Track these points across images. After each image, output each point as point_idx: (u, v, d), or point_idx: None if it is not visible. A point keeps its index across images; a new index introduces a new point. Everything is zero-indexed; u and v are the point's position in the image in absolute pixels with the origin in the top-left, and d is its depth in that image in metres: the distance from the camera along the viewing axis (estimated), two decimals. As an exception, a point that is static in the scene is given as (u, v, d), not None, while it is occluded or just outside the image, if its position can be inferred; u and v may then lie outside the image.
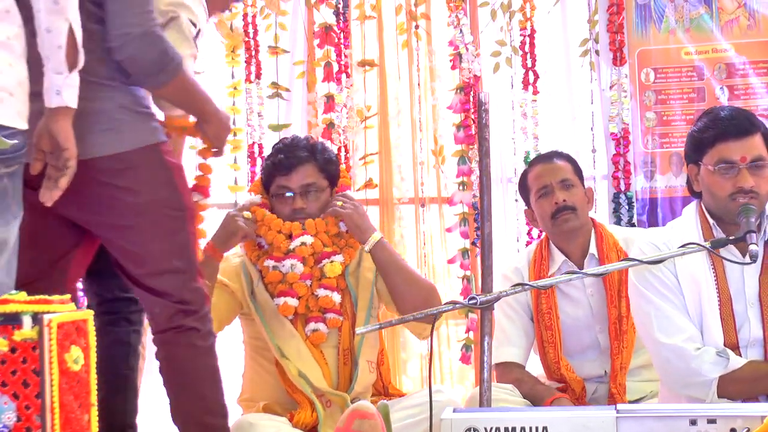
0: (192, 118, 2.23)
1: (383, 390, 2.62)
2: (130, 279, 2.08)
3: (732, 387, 2.15)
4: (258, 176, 2.65)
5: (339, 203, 2.50)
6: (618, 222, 3.44)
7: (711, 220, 2.25)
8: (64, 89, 1.88)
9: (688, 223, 2.28)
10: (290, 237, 2.49)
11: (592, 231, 2.72)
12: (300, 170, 2.50)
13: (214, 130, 2.18)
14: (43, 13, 1.87)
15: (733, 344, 2.21)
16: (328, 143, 3.46)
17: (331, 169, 2.55)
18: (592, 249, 2.68)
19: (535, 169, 2.74)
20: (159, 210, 2.04)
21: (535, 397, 2.57)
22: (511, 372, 2.68)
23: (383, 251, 2.49)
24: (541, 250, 2.73)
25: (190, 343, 2.04)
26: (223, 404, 2.09)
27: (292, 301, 2.45)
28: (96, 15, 2.01)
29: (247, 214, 2.46)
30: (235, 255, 2.57)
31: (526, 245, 3.50)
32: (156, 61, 2.01)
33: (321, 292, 2.47)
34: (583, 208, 2.69)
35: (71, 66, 1.89)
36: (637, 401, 2.63)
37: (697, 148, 2.26)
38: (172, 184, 2.06)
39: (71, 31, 1.89)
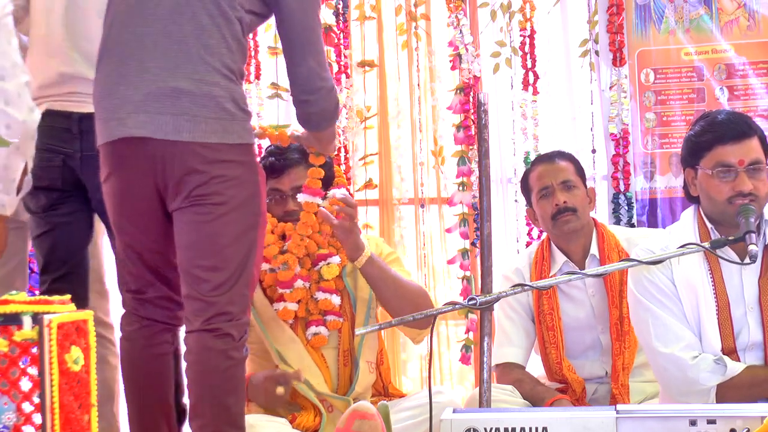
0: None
1: (383, 390, 2.62)
2: (185, 270, 2.05)
3: (730, 393, 2.14)
4: None
5: (334, 215, 2.45)
6: (617, 222, 3.44)
7: (709, 225, 2.24)
8: (8, 203, 2.13)
9: (686, 228, 2.27)
10: (283, 238, 2.48)
11: (594, 231, 2.71)
12: (291, 173, 2.49)
13: (332, 146, 2.39)
14: (4, 152, 2.07)
15: (730, 349, 2.21)
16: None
17: (323, 170, 2.54)
18: (593, 250, 2.68)
19: (536, 170, 2.74)
20: (240, 208, 2.05)
21: (535, 397, 2.57)
22: (511, 372, 2.67)
23: (372, 267, 2.47)
24: (542, 250, 2.72)
25: (225, 351, 2.02)
26: (243, 418, 2.07)
27: (292, 306, 2.45)
28: (239, 14, 2.08)
29: (280, 389, 2.37)
30: None
31: (526, 245, 3.50)
32: (333, 111, 2.20)
33: (320, 295, 2.46)
34: (584, 209, 2.69)
35: (18, 191, 2.15)
36: (639, 403, 2.63)
37: (694, 152, 2.24)
38: (257, 187, 2.09)
39: (25, 165, 2.15)
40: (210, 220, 2.02)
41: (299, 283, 2.45)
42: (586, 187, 2.74)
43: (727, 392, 2.15)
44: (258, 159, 2.52)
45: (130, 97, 2.02)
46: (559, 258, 2.70)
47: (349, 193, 2.63)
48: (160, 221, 2.08)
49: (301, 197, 2.43)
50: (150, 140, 2.01)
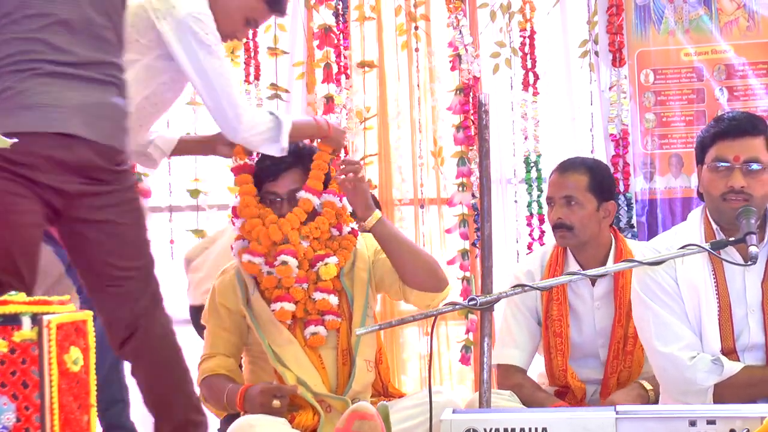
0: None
1: (383, 389, 2.61)
2: (107, 277, 2.14)
3: (728, 393, 2.14)
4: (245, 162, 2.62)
5: (343, 177, 2.47)
6: (617, 223, 3.44)
7: (714, 225, 2.24)
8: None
9: (691, 228, 2.27)
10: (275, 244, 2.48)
11: (612, 245, 2.66)
12: (286, 176, 2.49)
13: (334, 142, 2.53)
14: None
15: (730, 349, 2.21)
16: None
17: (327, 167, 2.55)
18: (610, 265, 2.61)
19: (551, 177, 2.71)
20: (136, 208, 2.17)
21: (534, 403, 2.54)
22: (512, 376, 2.65)
23: (384, 227, 2.48)
24: (557, 255, 2.68)
25: (171, 339, 2.13)
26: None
27: (289, 306, 2.44)
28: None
29: (276, 403, 2.35)
30: (230, 267, 2.56)
31: (528, 246, 3.50)
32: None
33: (318, 296, 2.46)
34: (586, 226, 2.61)
35: None
36: (638, 405, 2.61)
37: (701, 149, 2.27)
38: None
39: None
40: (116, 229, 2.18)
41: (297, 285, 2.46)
42: (601, 200, 2.64)
43: (724, 392, 2.15)
44: (253, 162, 2.54)
45: None
46: (573, 266, 2.65)
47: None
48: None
49: (305, 194, 2.46)
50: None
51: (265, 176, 2.49)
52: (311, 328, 2.46)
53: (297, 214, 2.45)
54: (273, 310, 2.45)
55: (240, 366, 2.58)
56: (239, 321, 2.51)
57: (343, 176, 2.44)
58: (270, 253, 2.46)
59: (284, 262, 2.42)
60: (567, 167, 2.70)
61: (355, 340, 2.46)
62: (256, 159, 2.55)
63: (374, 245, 2.59)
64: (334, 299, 2.46)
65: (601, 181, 2.67)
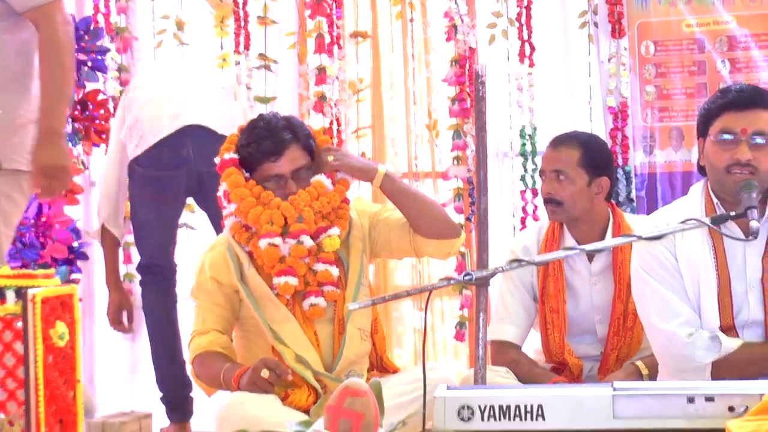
0: None
1: (377, 361, 2.59)
2: None
3: (726, 370, 2.12)
4: (230, 157, 2.49)
5: (330, 158, 2.46)
6: (616, 198, 3.41)
7: (715, 199, 2.21)
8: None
9: (692, 202, 2.25)
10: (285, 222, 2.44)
11: (610, 220, 2.64)
12: (288, 154, 2.44)
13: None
14: None
15: (729, 326, 2.19)
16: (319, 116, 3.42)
17: (311, 145, 2.51)
18: (608, 240, 2.59)
19: (545, 151, 2.71)
20: None
21: (532, 379, 2.54)
22: (507, 352, 2.64)
23: (392, 183, 2.49)
24: (553, 230, 2.66)
25: None
26: None
27: (293, 280, 2.40)
28: None
29: (264, 372, 2.30)
30: (221, 241, 2.52)
31: (522, 221, 3.47)
32: None
33: (320, 267, 2.43)
34: (576, 201, 2.59)
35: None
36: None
37: (705, 120, 2.24)
38: None
39: None
40: None
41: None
42: (594, 176, 2.61)
43: (723, 369, 2.13)
44: (242, 141, 2.48)
45: None
46: (570, 241, 2.63)
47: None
48: None
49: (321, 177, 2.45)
50: None
51: (263, 157, 2.43)
52: (311, 299, 2.43)
53: (310, 192, 2.42)
54: (276, 285, 2.41)
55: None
56: (232, 295, 2.48)
57: (330, 157, 2.43)
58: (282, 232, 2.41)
59: (300, 242, 2.38)
60: (560, 141, 2.67)
61: (347, 310, 2.43)
62: (243, 143, 2.48)
63: (368, 211, 2.56)
64: (335, 270, 2.44)
65: (594, 156, 2.64)
